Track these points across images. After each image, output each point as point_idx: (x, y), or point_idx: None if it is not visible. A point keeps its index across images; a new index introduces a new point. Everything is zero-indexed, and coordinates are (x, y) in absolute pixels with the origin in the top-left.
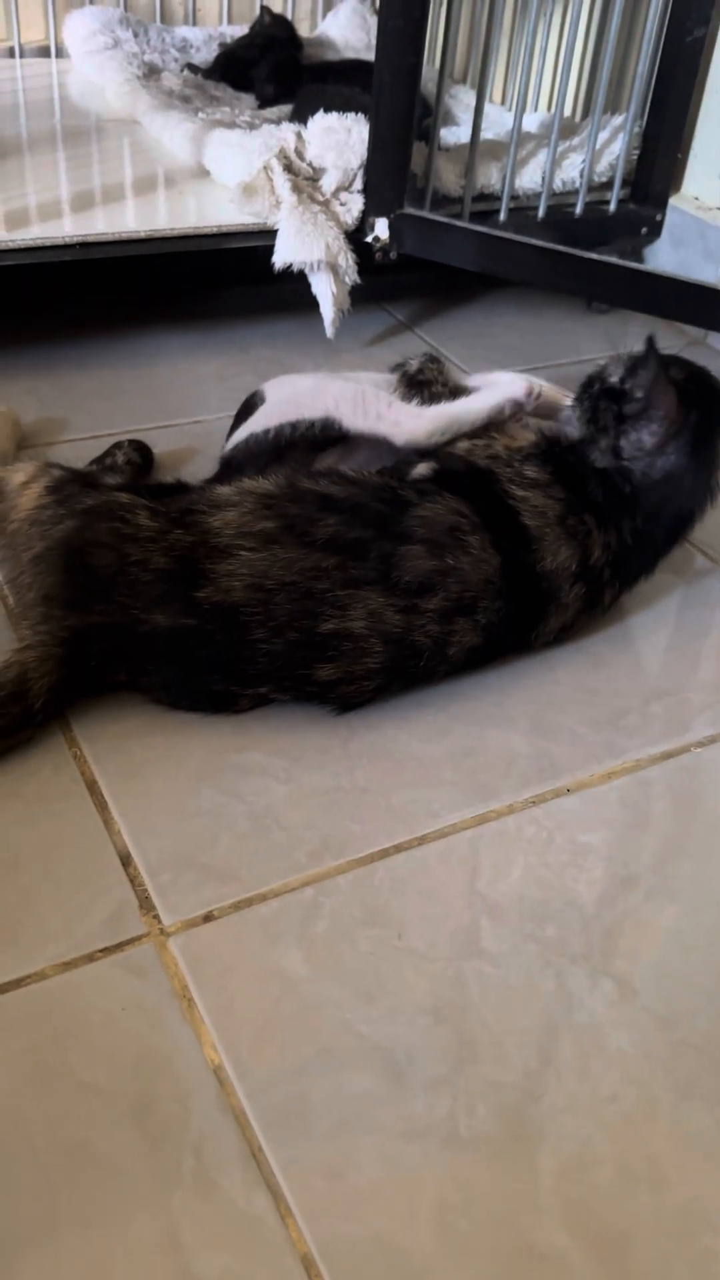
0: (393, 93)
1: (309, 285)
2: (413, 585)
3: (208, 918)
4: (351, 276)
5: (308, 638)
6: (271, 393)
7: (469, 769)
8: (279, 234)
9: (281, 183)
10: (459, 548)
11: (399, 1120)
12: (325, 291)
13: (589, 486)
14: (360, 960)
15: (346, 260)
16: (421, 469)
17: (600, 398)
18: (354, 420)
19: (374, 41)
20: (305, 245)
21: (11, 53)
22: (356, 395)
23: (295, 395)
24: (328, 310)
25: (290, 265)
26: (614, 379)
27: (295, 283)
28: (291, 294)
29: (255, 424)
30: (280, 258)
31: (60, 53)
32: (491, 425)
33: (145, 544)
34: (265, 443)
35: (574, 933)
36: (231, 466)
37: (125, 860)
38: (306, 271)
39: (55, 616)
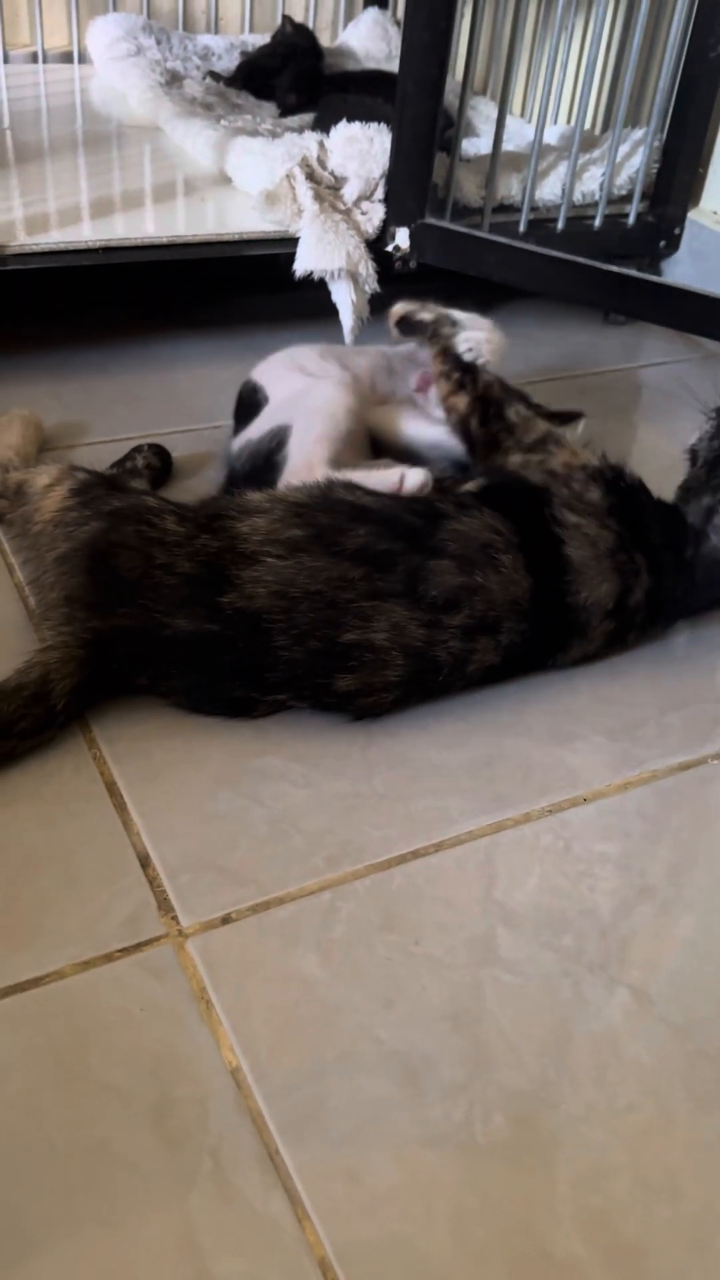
0: (416, 103)
1: (329, 293)
2: (439, 601)
3: (226, 920)
4: (371, 285)
5: (329, 647)
6: (271, 388)
7: (487, 777)
8: (300, 242)
9: (304, 191)
10: (490, 565)
11: (416, 1125)
12: (345, 300)
13: (650, 526)
14: (378, 965)
15: (367, 269)
16: (470, 485)
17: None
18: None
19: (395, 52)
20: (326, 253)
21: (34, 58)
22: (312, 415)
23: (291, 399)
24: (347, 318)
25: (311, 273)
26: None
27: (315, 291)
28: (312, 302)
29: (253, 430)
30: (301, 265)
31: (83, 59)
32: (550, 437)
33: (171, 548)
34: (261, 454)
35: (591, 942)
36: (234, 479)
37: (144, 862)
38: (327, 280)
39: (78, 618)
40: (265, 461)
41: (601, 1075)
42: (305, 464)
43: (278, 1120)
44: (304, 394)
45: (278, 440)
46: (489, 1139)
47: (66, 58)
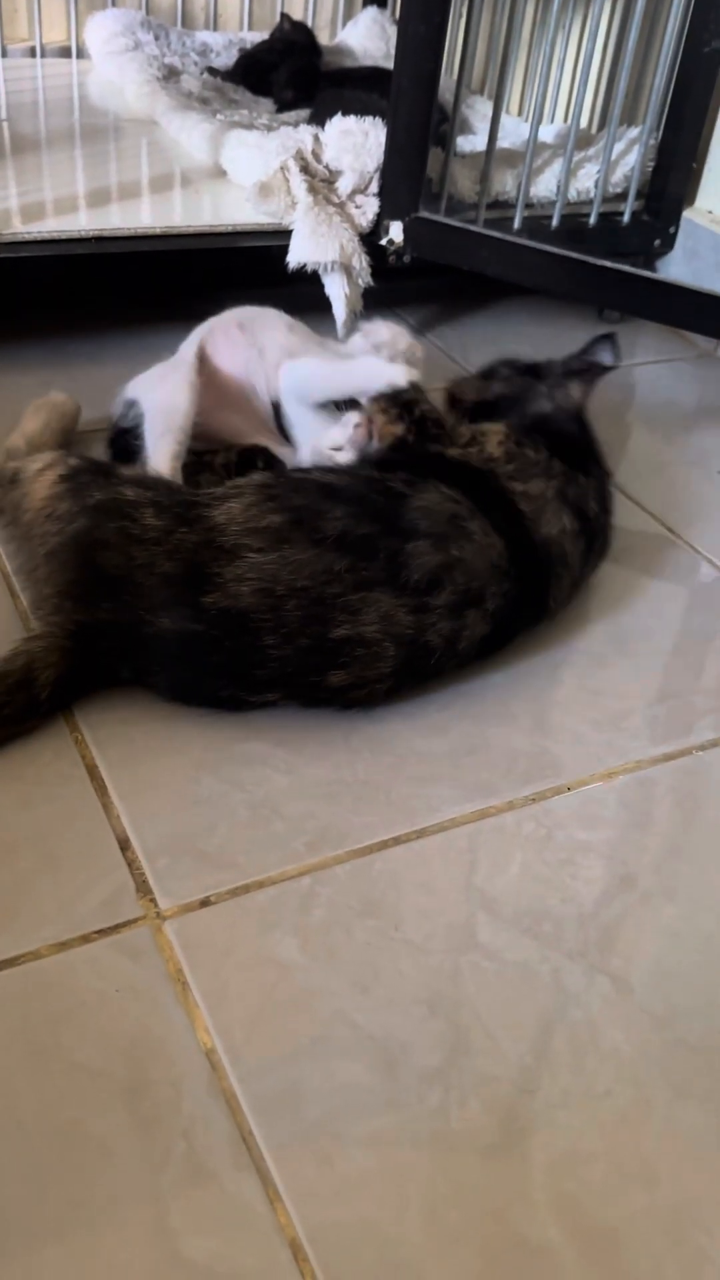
0: (411, 97)
1: (322, 287)
2: (421, 583)
3: (205, 903)
4: (365, 278)
5: (319, 644)
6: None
7: (470, 765)
8: (294, 234)
9: (298, 183)
10: (462, 537)
11: (391, 1110)
12: (338, 292)
13: (571, 446)
14: (356, 950)
15: (360, 262)
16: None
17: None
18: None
19: (392, 50)
20: (320, 245)
21: (33, 52)
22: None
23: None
24: (340, 311)
25: (304, 265)
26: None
27: (309, 284)
28: (305, 295)
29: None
30: (295, 257)
31: (81, 53)
32: (479, 432)
33: (150, 546)
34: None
35: (571, 930)
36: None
37: (124, 845)
38: (320, 272)
39: (65, 609)
40: (121, 435)
41: (579, 1062)
42: (154, 464)
43: (251, 1102)
44: (159, 380)
45: (133, 415)
46: (464, 1124)
47: (65, 52)
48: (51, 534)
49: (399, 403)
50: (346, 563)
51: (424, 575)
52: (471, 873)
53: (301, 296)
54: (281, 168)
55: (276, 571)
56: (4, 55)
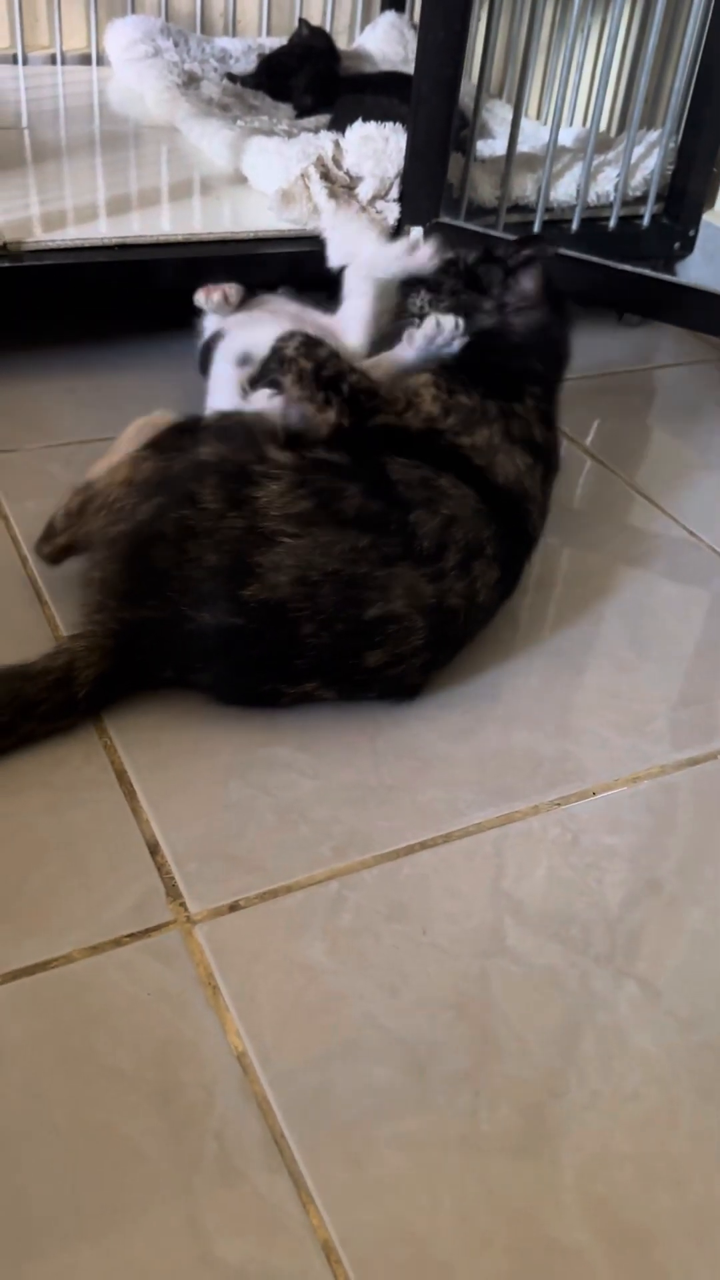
0: (431, 103)
1: (341, 291)
2: (433, 550)
3: (233, 907)
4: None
5: (354, 626)
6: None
7: (494, 769)
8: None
9: (318, 190)
10: (442, 495)
11: (421, 1113)
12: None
13: (500, 369)
14: (384, 954)
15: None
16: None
17: (477, 266)
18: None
19: (410, 55)
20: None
21: (53, 59)
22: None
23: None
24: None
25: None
26: (472, 257)
27: (331, 289)
28: (327, 300)
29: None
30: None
31: (101, 60)
32: (408, 391)
33: (202, 538)
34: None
35: (598, 934)
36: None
37: (153, 849)
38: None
39: (109, 607)
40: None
41: (607, 1066)
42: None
43: (283, 1105)
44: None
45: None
46: (494, 1126)
47: (85, 59)
48: (123, 518)
49: (321, 381)
50: (368, 540)
51: (432, 542)
52: (498, 877)
53: (323, 302)
54: (302, 175)
55: (310, 556)
56: (25, 62)
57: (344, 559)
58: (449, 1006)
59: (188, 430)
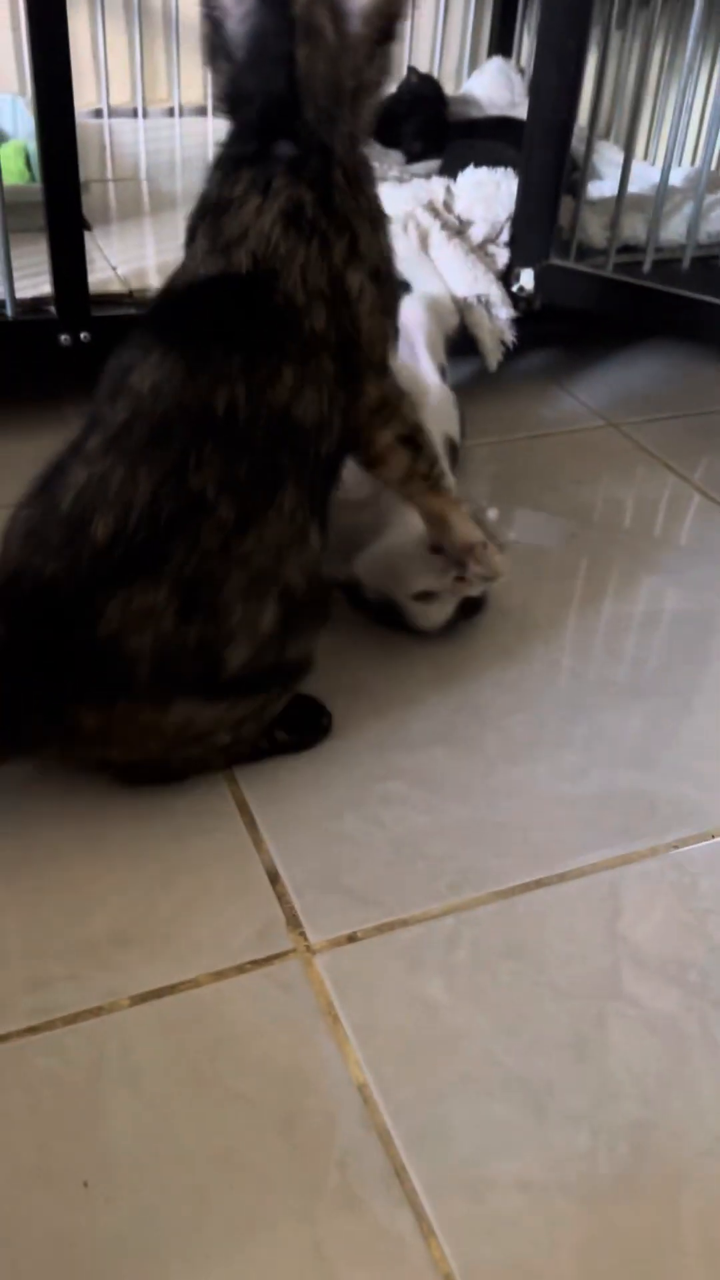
0: (544, 148)
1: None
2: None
3: (351, 938)
4: (509, 310)
5: None
6: None
7: (610, 809)
8: (445, 272)
9: (430, 230)
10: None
11: (540, 1151)
12: (481, 327)
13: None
14: (501, 992)
15: (500, 297)
16: None
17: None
18: None
19: (518, 99)
20: (475, 279)
21: (171, 112)
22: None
23: None
24: (486, 345)
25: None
26: None
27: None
28: None
29: None
30: (455, 291)
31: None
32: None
33: None
34: None
35: (716, 979)
36: None
37: (273, 878)
38: (463, 311)
39: None
40: None
41: None
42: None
43: (404, 1137)
44: None
45: None
46: (613, 1168)
47: (201, 111)
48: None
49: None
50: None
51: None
52: (615, 919)
53: None
54: (412, 215)
55: None
56: (145, 115)
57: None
58: (567, 1047)
59: None
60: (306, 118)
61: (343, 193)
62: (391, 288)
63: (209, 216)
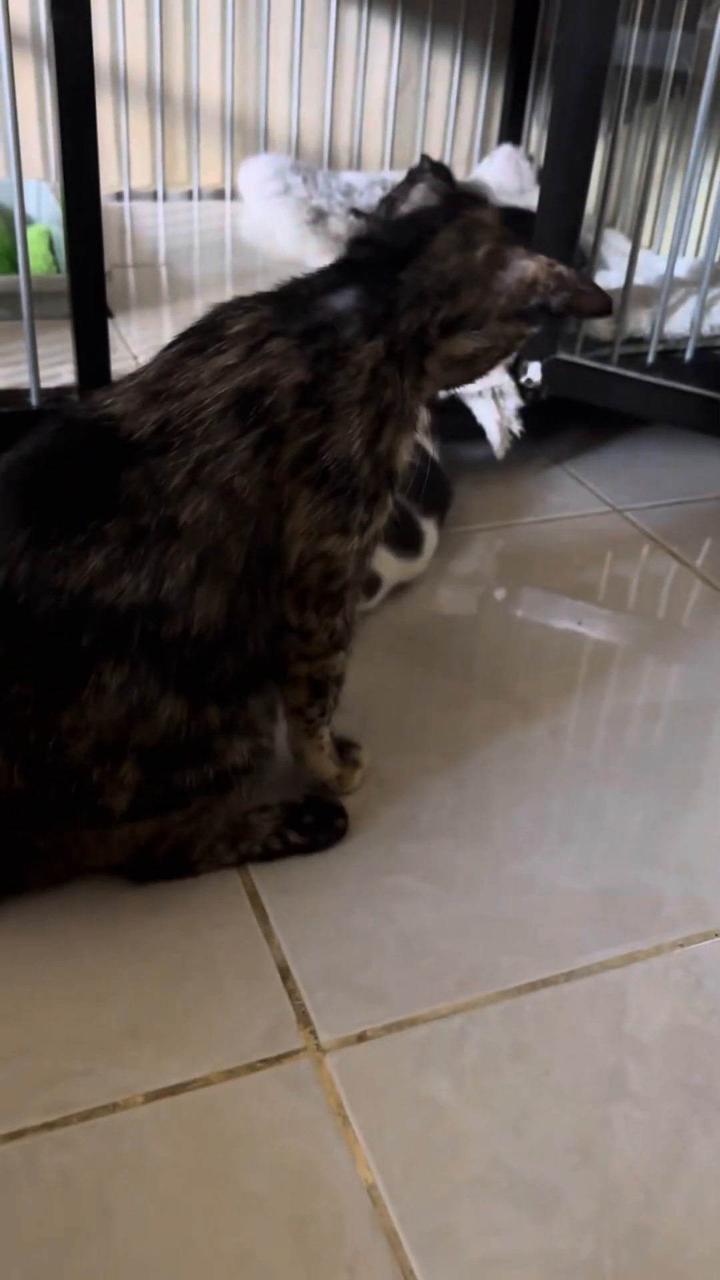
0: (554, 250)
1: (468, 415)
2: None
3: (361, 1038)
4: (515, 400)
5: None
6: None
7: (616, 907)
8: None
9: None
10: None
11: (547, 1257)
12: (490, 419)
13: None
14: (507, 1094)
15: (510, 388)
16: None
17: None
18: None
19: (526, 186)
20: None
21: (189, 195)
22: None
23: None
24: (494, 434)
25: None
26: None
27: (456, 413)
28: (451, 424)
29: None
30: None
31: (234, 195)
32: None
33: None
34: None
35: None
36: None
37: (284, 974)
38: (467, 400)
39: None
40: None
41: None
42: None
43: (412, 1241)
44: None
45: None
46: (618, 1276)
47: (219, 195)
48: None
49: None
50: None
51: None
52: (621, 1019)
53: (449, 426)
54: None
55: None
56: (165, 198)
57: None
58: (573, 1150)
59: None
60: (401, 278)
61: (350, 380)
62: (363, 506)
63: (192, 337)
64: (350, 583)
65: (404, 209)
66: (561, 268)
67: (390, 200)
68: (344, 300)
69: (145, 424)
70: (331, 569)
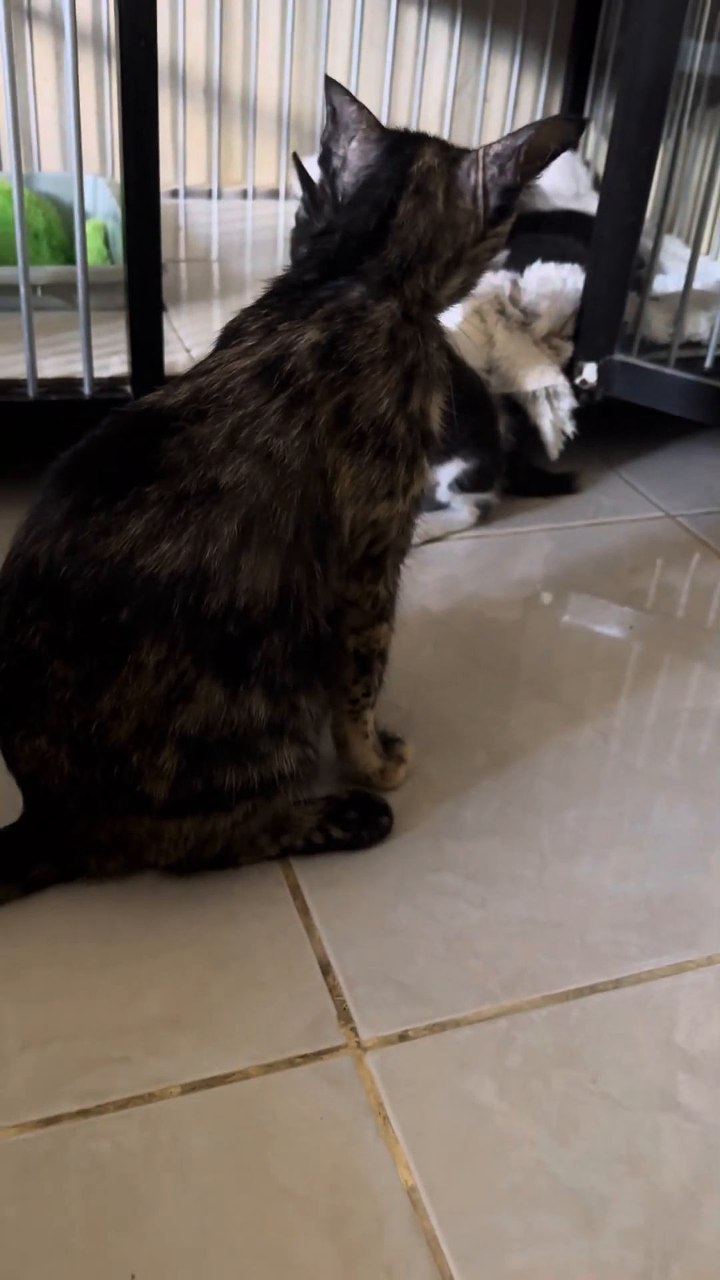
0: (613, 248)
1: (523, 417)
2: None
3: (403, 1037)
4: (570, 401)
5: None
6: None
7: (667, 914)
8: (506, 365)
9: (494, 324)
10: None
11: (592, 1268)
12: (544, 417)
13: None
14: (554, 1100)
15: (565, 389)
16: None
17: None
18: None
19: (582, 190)
20: (543, 371)
21: (244, 194)
22: None
23: None
24: (548, 435)
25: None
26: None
27: (508, 414)
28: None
29: None
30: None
31: (288, 194)
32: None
33: None
34: None
35: None
36: None
37: (325, 968)
38: (524, 403)
39: None
40: None
41: None
42: None
43: (452, 1246)
44: None
45: None
46: None
47: (273, 194)
48: None
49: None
50: None
51: None
52: (671, 1029)
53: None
54: (477, 310)
55: None
56: (220, 197)
57: None
58: (620, 1160)
59: None
60: (388, 256)
61: (368, 338)
62: (404, 467)
63: (219, 341)
64: (391, 547)
65: (346, 177)
66: (497, 146)
67: (332, 174)
68: (340, 283)
69: (179, 395)
70: (375, 533)
